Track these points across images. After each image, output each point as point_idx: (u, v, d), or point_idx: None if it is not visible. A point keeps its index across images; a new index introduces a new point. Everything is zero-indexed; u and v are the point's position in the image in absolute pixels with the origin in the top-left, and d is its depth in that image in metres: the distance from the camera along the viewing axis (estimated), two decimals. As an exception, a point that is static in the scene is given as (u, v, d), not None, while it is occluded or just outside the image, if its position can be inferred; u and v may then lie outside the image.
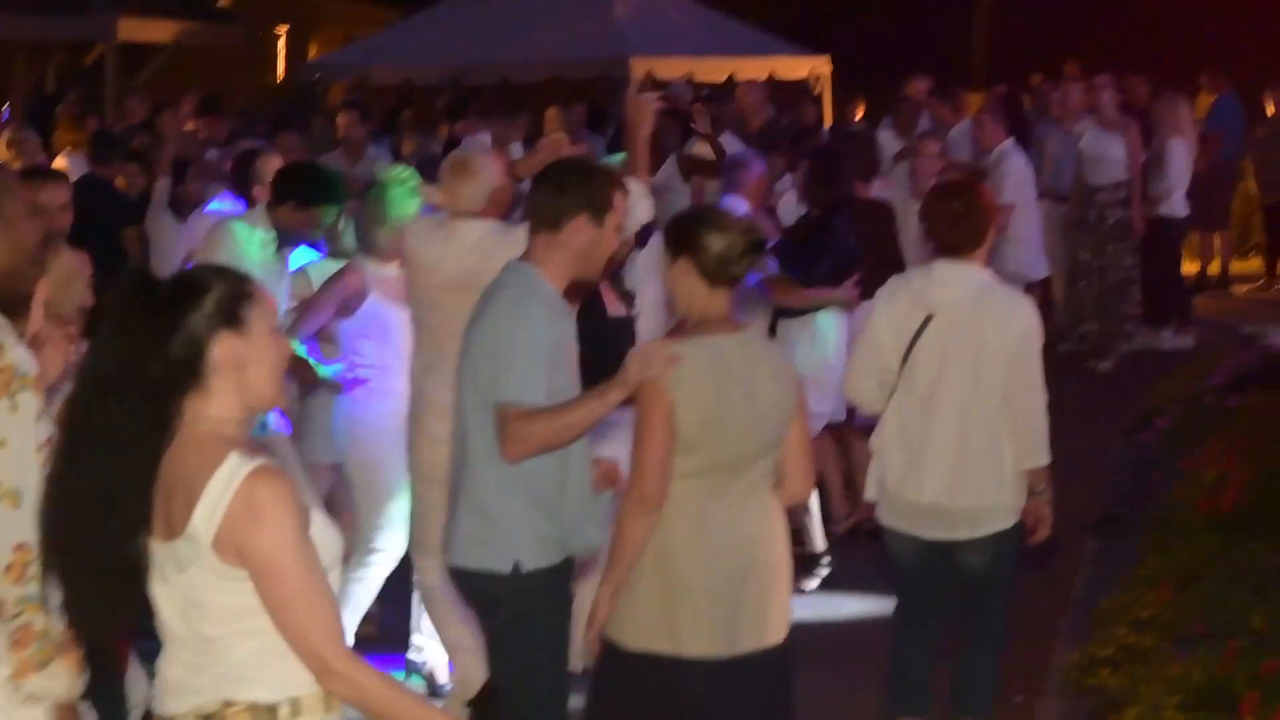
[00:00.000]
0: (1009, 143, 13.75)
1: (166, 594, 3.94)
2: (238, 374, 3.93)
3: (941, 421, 6.76)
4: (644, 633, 5.52)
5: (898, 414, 6.86)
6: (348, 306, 8.02)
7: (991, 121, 14.00)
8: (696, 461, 5.47)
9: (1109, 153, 14.74)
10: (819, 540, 9.82)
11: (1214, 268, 19.21)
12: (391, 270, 7.94)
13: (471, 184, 7.21)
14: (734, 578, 5.50)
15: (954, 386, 6.74)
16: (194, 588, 3.90)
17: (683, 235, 5.58)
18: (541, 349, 5.61)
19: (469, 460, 5.83)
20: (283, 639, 3.88)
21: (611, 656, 5.60)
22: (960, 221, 6.78)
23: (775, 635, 5.63)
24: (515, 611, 5.74)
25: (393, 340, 7.91)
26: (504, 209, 7.36)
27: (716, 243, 5.50)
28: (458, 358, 5.87)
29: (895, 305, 6.87)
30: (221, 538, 3.84)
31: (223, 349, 3.91)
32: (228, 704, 3.92)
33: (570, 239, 5.75)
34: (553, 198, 5.85)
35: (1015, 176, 13.47)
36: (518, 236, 6.42)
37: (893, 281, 7.12)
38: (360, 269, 8.05)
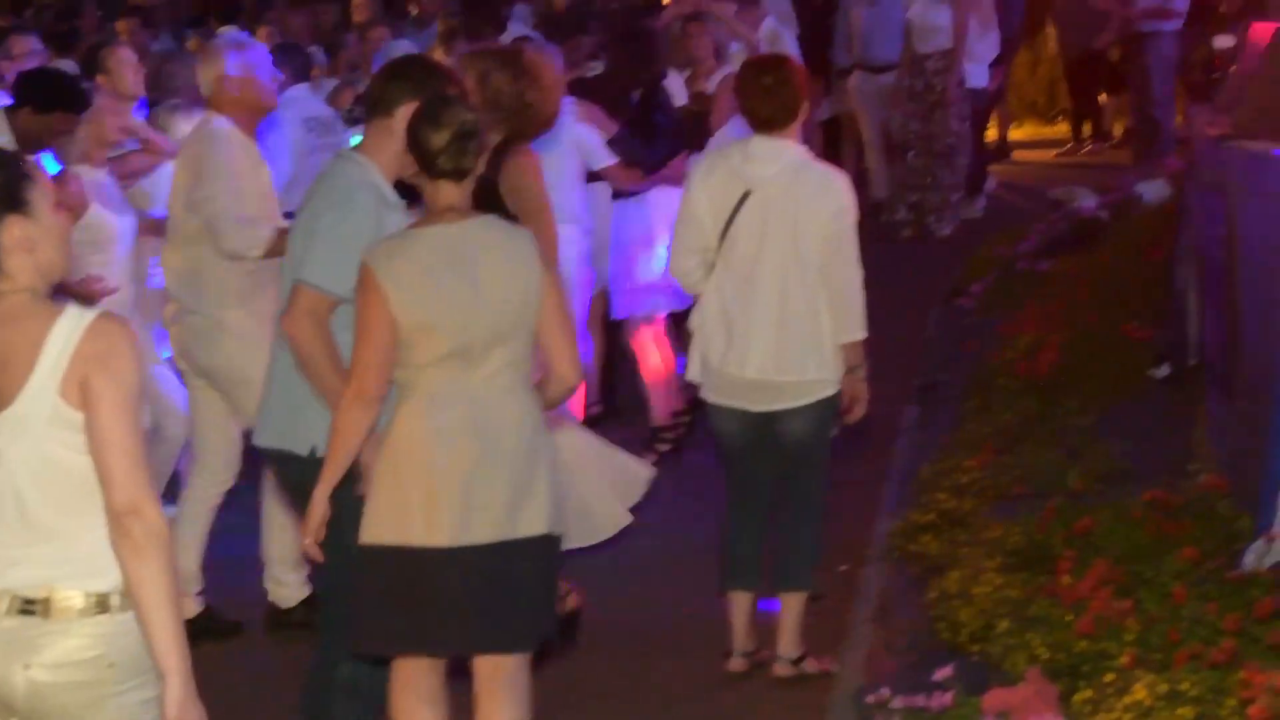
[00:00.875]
0: (770, 19, 13.88)
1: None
2: (30, 255, 3.98)
3: (762, 297, 6.80)
4: (373, 526, 5.45)
5: (718, 291, 6.89)
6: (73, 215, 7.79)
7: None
8: (423, 352, 5.40)
9: (937, 21, 14.83)
10: (659, 414, 9.92)
11: (1013, 133, 19.58)
12: (102, 175, 7.90)
13: None
14: (470, 467, 5.40)
15: (773, 262, 6.79)
16: (29, 458, 3.95)
17: (409, 128, 5.54)
18: (357, 242, 5.57)
19: (282, 344, 5.83)
20: (100, 477, 3.93)
21: (348, 553, 5.54)
22: (772, 96, 6.80)
23: (526, 527, 5.48)
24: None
25: (113, 250, 7.86)
26: None
27: (429, 138, 5.44)
28: None
29: (712, 181, 6.89)
30: (69, 379, 3.92)
31: (11, 233, 3.95)
32: (58, 588, 3.95)
33: (401, 127, 5.70)
34: (386, 84, 5.84)
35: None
36: None
37: (709, 157, 7.11)
38: (78, 176, 7.81)
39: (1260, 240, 7.20)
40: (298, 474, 5.77)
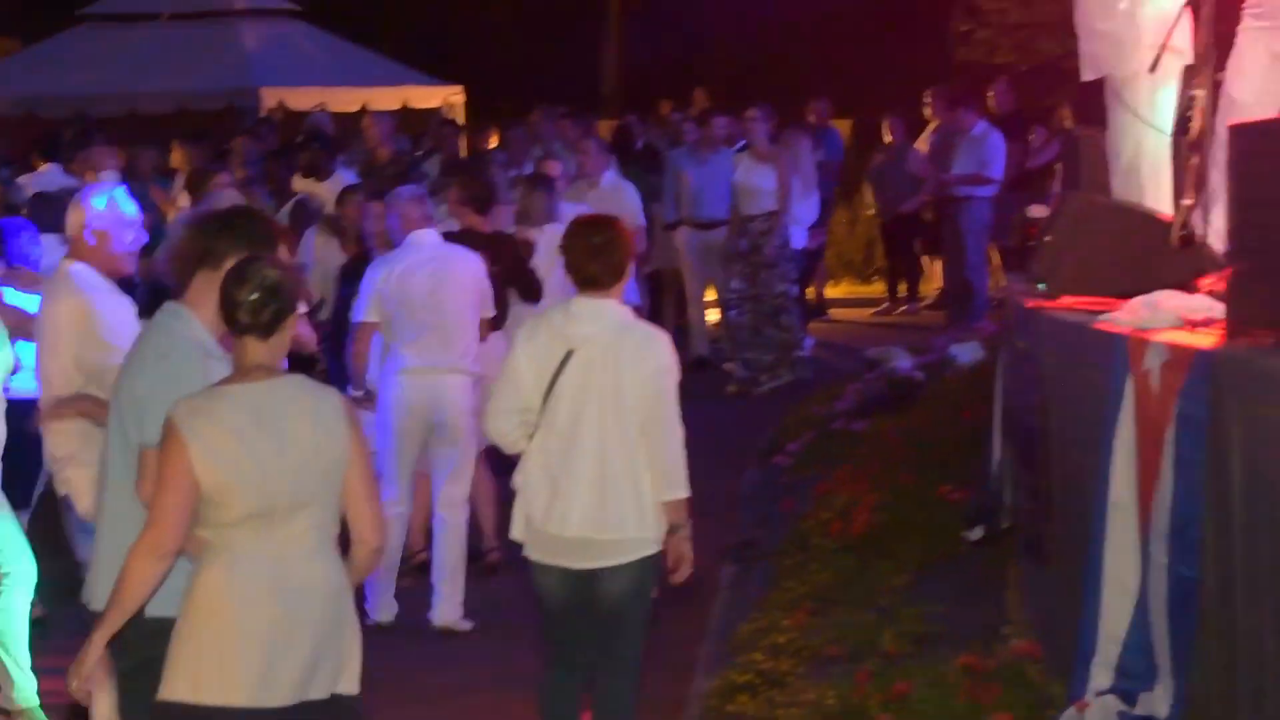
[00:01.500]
0: (611, 173, 14.10)
1: None
2: None
3: (584, 455, 6.81)
4: (171, 683, 5.36)
5: (541, 450, 6.89)
6: None
7: (596, 150, 14.36)
8: (226, 511, 5.35)
9: (761, 184, 15.06)
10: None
11: (830, 291, 19.91)
12: None
13: None
14: (270, 628, 5.34)
15: (595, 421, 6.81)
16: None
17: (220, 287, 5.51)
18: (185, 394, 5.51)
19: (107, 500, 5.75)
20: None
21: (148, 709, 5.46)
22: (600, 255, 6.85)
23: (327, 688, 5.44)
24: (140, 657, 5.61)
25: None
26: None
27: (234, 293, 5.42)
28: None
29: (535, 342, 6.91)
30: None
31: None
32: None
33: None
34: (216, 236, 5.81)
35: (628, 204, 13.77)
36: None
37: (534, 318, 7.14)
38: None
39: (1072, 409, 7.33)
40: (125, 634, 5.64)
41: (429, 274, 9.57)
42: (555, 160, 13.60)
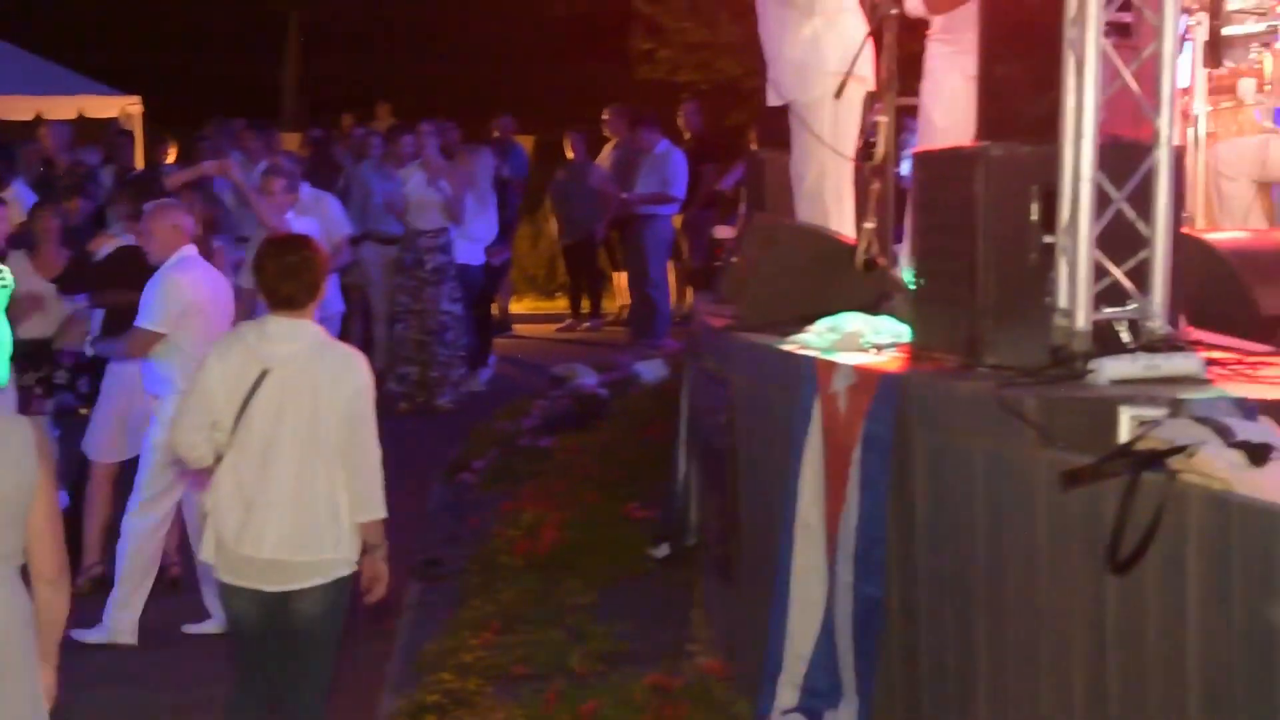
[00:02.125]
0: (306, 187, 13.95)
1: None
2: None
3: (279, 476, 6.73)
4: None
5: (234, 470, 6.79)
6: None
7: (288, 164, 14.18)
8: None
9: (431, 197, 14.98)
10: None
11: (514, 306, 19.95)
12: None
13: None
14: None
15: (291, 441, 6.73)
16: None
17: None
18: None
19: None
20: None
21: None
22: (294, 275, 6.78)
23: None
24: None
25: None
26: None
27: None
28: None
29: (228, 360, 6.80)
30: None
31: None
32: None
33: None
34: None
35: (331, 215, 13.63)
36: None
37: (226, 336, 7.04)
38: None
39: (760, 430, 7.45)
40: None
41: None
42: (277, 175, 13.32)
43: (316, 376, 6.75)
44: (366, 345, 14.83)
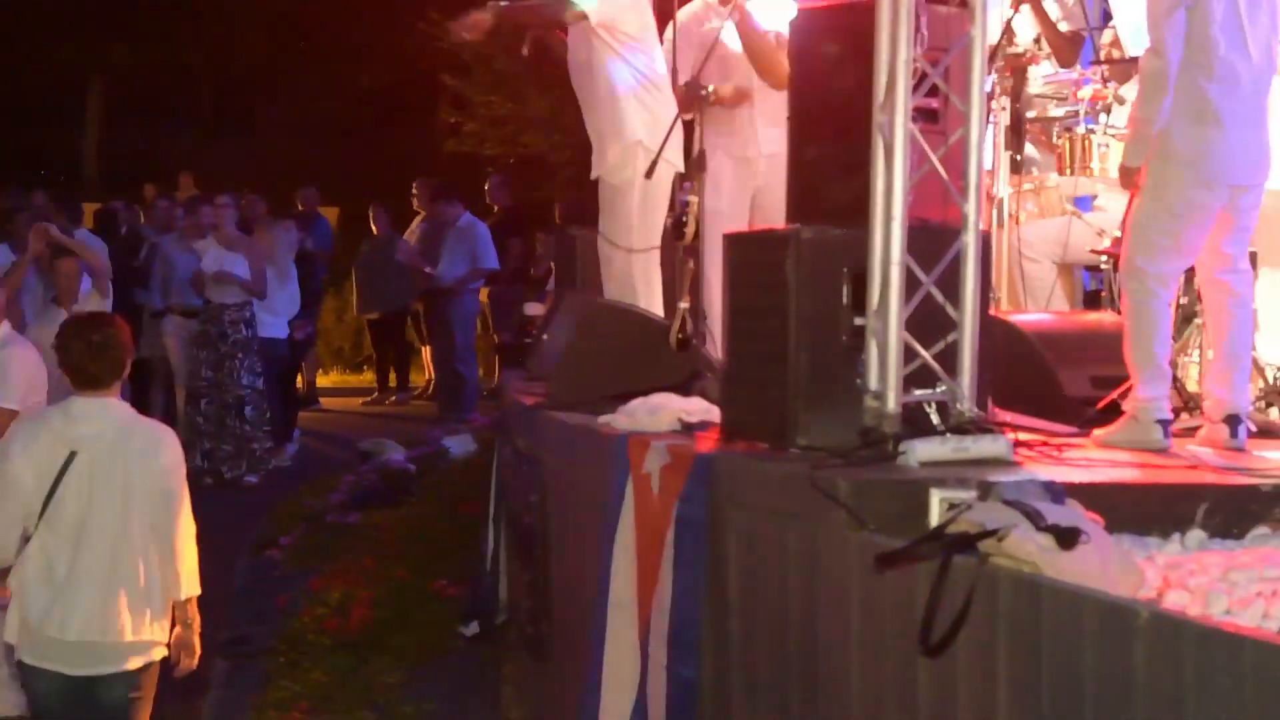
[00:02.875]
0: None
1: None
2: None
3: (90, 557, 6.64)
4: None
5: (43, 551, 6.68)
6: None
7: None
8: None
9: (231, 271, 14.83)
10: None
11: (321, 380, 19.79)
12: None
13: None
14: None
15: (102, 522, 6.64)
16: None
17: None
18: None
19: None
20: None
21: None
22: (101, 355, 6.69)
23: None
24: None
25: None
26: None
27: None
28: None
29: (35, 446, 6.69)
30: None
31: None
32: None
33: None
34: None
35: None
36: None
37: (29, 422, 6.92)
38: None
39: (573, 510, 7.44)
40: None
41: None
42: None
43: (126, 455, 6.66)
44: (170, 419, 14.62)
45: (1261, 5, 6.66)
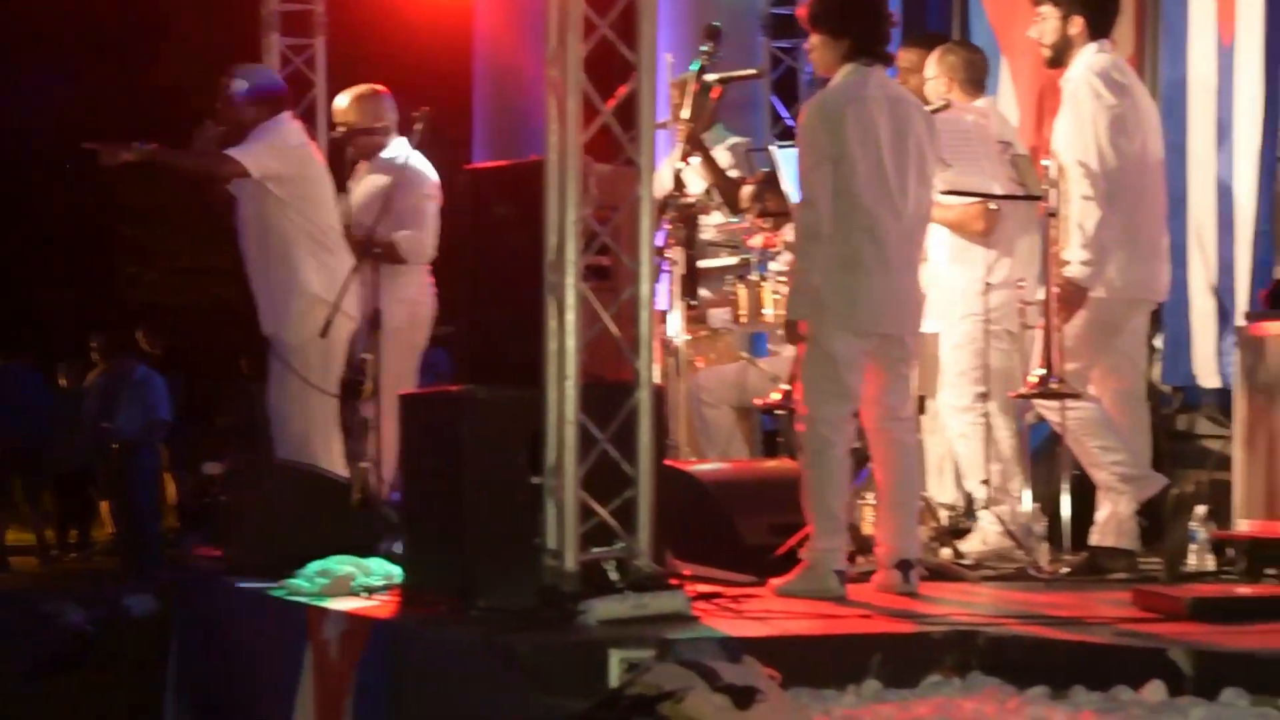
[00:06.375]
0: None
1: None
2: None
3: None
4: None
5: None
6: None
7: None
8: None
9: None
10: None
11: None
12: None
13: None
14: None
15: None
16: None
17: None
18: None
19: None
20: None
21: None
22: None
23: None
24: None
25: None
26: None
27: None
28: None
29: None
30: None
31: None
32: None
33: None
34: None
35: None
36: None
37: None
38: None
39: (252, 678, 7.28)
40: None
41: None
42: None
43: None
44: None
45: (909, 157, 6.84)
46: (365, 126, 8.90)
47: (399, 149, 8.69)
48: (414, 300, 8.81)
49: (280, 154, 8.48)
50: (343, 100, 9.04)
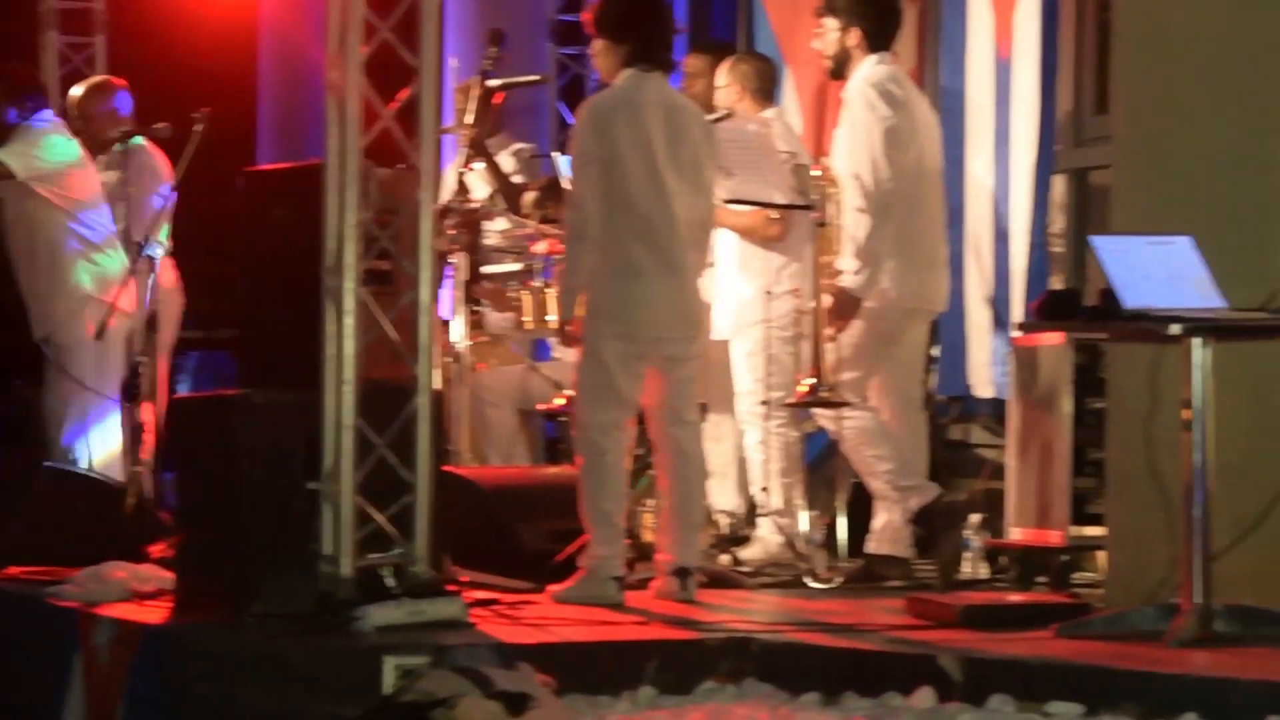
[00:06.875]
0: None
1: None
2: None
3: None
4: None
5: None
6: None
7: None
8: None
9: None
10: None
11: None
12: None
13: None
14: None
15: None
16: None
17: None
18: None
19: None
20: None
21: None
22: None
23: None
24: None
25: None
26: None
27: None
28: None
29: None
30: None
31: None
32: None
33: None
34: None
35: None
36: None
37: None
38: None
39: (20, 688, 7.10)
40: None
41: None
42: None
43: None
44: None
45: (685, 164, 6.85)
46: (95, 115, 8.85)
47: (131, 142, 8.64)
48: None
49: (45, 153, 8.38)
50: (77, 91, 9.00)
